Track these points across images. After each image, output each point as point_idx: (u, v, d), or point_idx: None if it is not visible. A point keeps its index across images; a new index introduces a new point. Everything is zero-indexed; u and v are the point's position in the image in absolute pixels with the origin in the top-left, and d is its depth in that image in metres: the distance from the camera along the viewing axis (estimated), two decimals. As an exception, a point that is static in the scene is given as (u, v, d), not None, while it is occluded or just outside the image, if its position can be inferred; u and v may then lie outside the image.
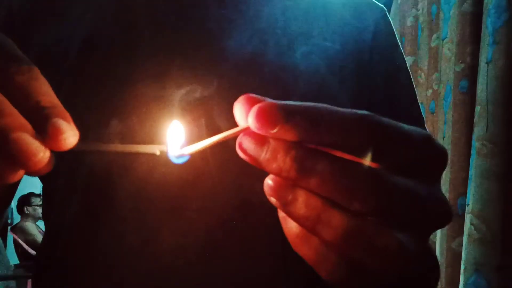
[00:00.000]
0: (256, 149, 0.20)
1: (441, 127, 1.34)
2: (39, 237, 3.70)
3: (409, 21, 1.64)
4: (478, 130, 1.08)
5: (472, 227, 1.06)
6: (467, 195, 1.11)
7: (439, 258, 1.26)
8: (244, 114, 0.21)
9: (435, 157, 0.23)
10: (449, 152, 1.24)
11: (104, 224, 0.44)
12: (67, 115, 0.23)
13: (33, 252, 3.52)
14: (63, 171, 0.46)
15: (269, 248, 0.44)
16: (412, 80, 0.58)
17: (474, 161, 1.09)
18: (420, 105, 0.58)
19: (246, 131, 0.21)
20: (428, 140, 0.22)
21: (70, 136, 0.22)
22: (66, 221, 0.46)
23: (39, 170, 0.22)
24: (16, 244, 3.70)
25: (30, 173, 0.22)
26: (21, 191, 3.71)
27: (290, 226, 0.23)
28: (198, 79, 0.46)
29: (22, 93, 0.22)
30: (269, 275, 0.44)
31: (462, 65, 1.22)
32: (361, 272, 0.22)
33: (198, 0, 0.50)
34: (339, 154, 0.21)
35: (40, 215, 3.55)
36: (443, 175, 1.27)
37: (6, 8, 0.51)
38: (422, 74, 1.54)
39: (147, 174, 0.43)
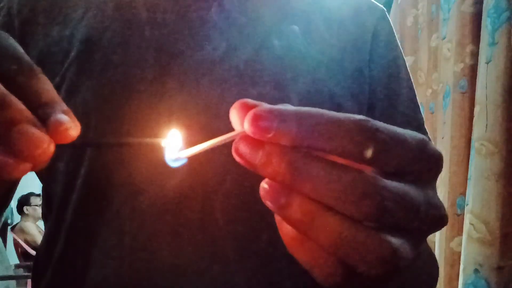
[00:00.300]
0: (252, 153, 0.21)
1: (440, 127, 1.34)
2: (39, 237, 3.70)
3: (409, 21, 1.64)
4: (478, 130, 1.08)
5: (472, 227, 1.06)
6: (467, 195, 1.12)
7: (438, 258, 1.26)
8: (240, 119, 0.21)
9: (430, 161, 0.23)
10: (448, 152, 1.24)
11: (103, 224, 0.44)
12: (69, 110, 0.23)
13: (33, 252, 3.52)
14: (63, 171, 0.46)
15: (271, 249, 0.44)
16: (412, 80, 0.58)
17: (473, 161, 1.09)
18: (419, 105, 0.58)
19: (242, 135, 0.21)
20: (423, 144, 0.22)
21: (72, 128, 0.22)
22: (65, 221, 0.46)
23: (41, 163, 0.22)
24: (16, 244, 3.70)
25: (33, 166, 0.22)
26: (21, 191, 3.71)
27: (286, 229, 0.23)
28: (198, 80, 0.46)
29: (24, 91, 0.22)
30: (272, 275, 0.45)
31: (462, 65, 1.22)
32: (355, 277, 0.22)
33: (197, 1, 0.50)
34: (334, 158, 0.21)
35: (40, 215, 3.55)
36: (442, 175, 1.27)
37: (6, 8, 0.51)
38: (422, 74, 1.55)
39: (147, 174, 0.43)
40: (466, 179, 1.16)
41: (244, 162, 0.21)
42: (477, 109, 1.11)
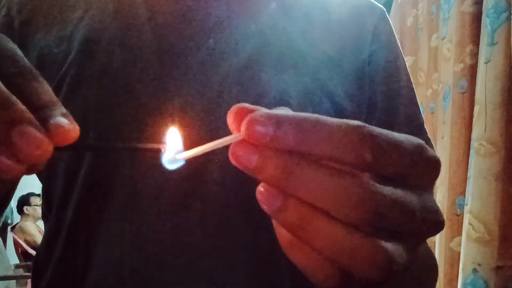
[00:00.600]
0: (248, 157, 0.21)
1: (440, 127, 1.34)
2: (39, 237, 3.70)
3: (409, 21, 1.64)
4: (477, 130, 1.08)
5: (471, 227, 1.06)
6: (466, 195, 1.12)
7: (438, 258, 1.26)
8: (237, 123, 0.22)
9: (427, 166, 0.23)
10: (448, 152, 1.24)
11: (103, 224, 0.44)
12: (68, 113, 0.23)
13: (33, 252, 3.52)
14: (63, 171, 0.46)
15: (272, 248, 0.44)
16: (412, 80, 0.58)
17: (472, 160, 1.09)
18: (419, 105, 0.58)
19: (239, 139, 0.21)
20: (420, 149, 0.22)
21: (70, 130, 0.23)
22: (65, 221, 0.46)
23: (40, 164, 0.22)
24: (16, 244, 3.70)
25: (32, 167, 0.22)
26: (21, 191, 3.71)
27: (282, 232, 0.23)
28: (198, 80, 0.46)
29: (23, 94, 0.22)
30: (272, 274, 0.45)
31: (462, 65, 1.22)
32: (351, 280, 0.22)
33: (197, 1, 0.50)
34: (331, 164, 0.21)
35: (40, 215, 3.55)
36: (442, 175, 1.27)
37: (6, 9, 0.51)
38: (422, 74, 1.55)
39: (147, 174, 0.43)
40: (466, 179, 1.16)
41: (240, 166, 0.21)
42: (476, 109, 1.11)
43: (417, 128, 0.55)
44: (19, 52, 0.25)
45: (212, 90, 0.46)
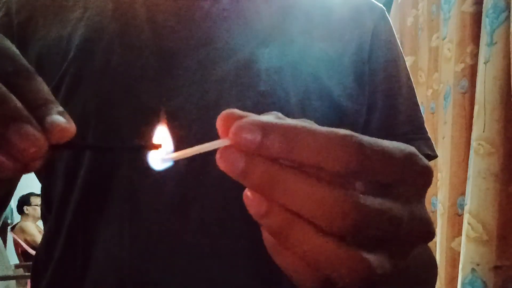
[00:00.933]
0: (233, 163, 0.21)
1: (441, 127, 1.34)
2: (39, 237, 3.70)
3: (409, 21, 1.64)
4: (476, 130, 1.08)
5: (469, 227, 1.06)
6: (466, 195, 1.11)
7: (439, 258, 1.26)
8: (225, 129, 0.22)
9: (417, 175, 0.22)
10: (449, 152, 1.24)
11: (103, 224, 0.44)
12: (64, 111, 0.23)
13: (33, 252, 3.52)
14: (63, 171, 0.46)
15: None
16: (412, 80, 0.58)
17: (472, 160, 1.09)
18: (420, 105, 0.58)
19: (227, 144, 0.22)
20: (410, 158, 0.22)
21: (67, 128, 0.23)
22: (65, 221, 0.46)
23: (36, 162, 0.22)
24: (16, 244, 3.70)
25: (29, 165, 0.22)
26: (21, 191, 3.71)
27: (267, 234, 0.23)
28: (198, 80, 0.46)
29: (19, 92, 0.22)
30: (270, 273, 0.44)
31: (462, 65, 1.22)
32: (333, 286, 0.22)
33: (197, 0, 0.50)
34: (317, 172, 0.21)
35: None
36: (443, 175, 1.27)
37: (5, 8, 0.51)
38: (422, 74, 1.55)
39: (146, 174, 0.43)
40: (466, 179, 1.16)
41: (226, 171, 0.22)
42: (476, 109, 1.10)
43: (418, 128, 0.55)
44: (16, 50, 0.25)
45: (212, 90, 0.45)
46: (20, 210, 3.89)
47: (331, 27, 0.53)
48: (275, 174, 0.21)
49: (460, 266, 1.09)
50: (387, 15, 0.59)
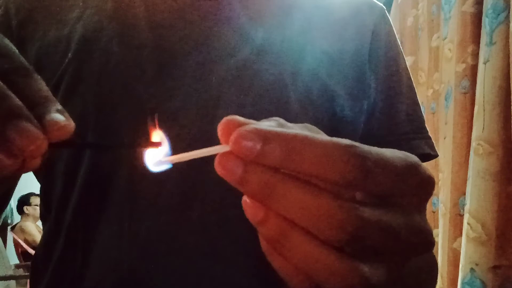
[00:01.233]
0: (232, 169, 0.21)
1: (442, 127, 1.34)
2: (39, 237, 3.68)
3: (409, 21, 1.64)
4: (476, 130, 1.08)
5: (469, 227, 1.06)
6: (466, 195, 1.11)
7: (440, 258, 1.26)
8: (226, 136, 0.22)
9: (418, 185, 0.22)
10: (450, 152, 1.24)
11: (103, 224, 0.44)
12: (63, 109, 0.23)
13: (33, 252, 3.52)
14: (62, 171, 0.46)
15: None
16: (412, 80, 0.58)
17: (471, 160, 1.09)
18: (420, 105, 0.58)
19: (226, 150, 0.22)
20: (413, 169, 0.22)
21: (66, 126, 0.23)
22: (65, 221, 0.46)
23: (34, 160, 0.22)
24: (16, 244, 3.70)
25: (28, 164, 0.22)
26: (21, 191, 3.71)
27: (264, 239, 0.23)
28: (197, 80, 0.46)
29: (18, 90, 0.22)
30: (271, 273, 0.44)
31: (463, 65, 1.22)
32: None
33: (197, 0, 0.50)
34: (317, 182, 0.21)
35: (40, 215, 3.55)
36: (445, 175, 1.27)
37: (3, 8, 0.51)
38: (422, 74, 1.54)
39: (146, 175, 0.43)
40: (467, 179, 1.16)
41: (224, 176, 0.22)
42: (475, 109, 1.10)
43: (418, 127, 0.55)
44: (15, 49, 0.24)
45: (211, 90, 0.45)
46: (20, 210, 3.89)
47: (331, 26, 0.53)
48: (272, 183, 0.21)
49: (460, 266, 1.09)
50: (387, 15, 0.59)
